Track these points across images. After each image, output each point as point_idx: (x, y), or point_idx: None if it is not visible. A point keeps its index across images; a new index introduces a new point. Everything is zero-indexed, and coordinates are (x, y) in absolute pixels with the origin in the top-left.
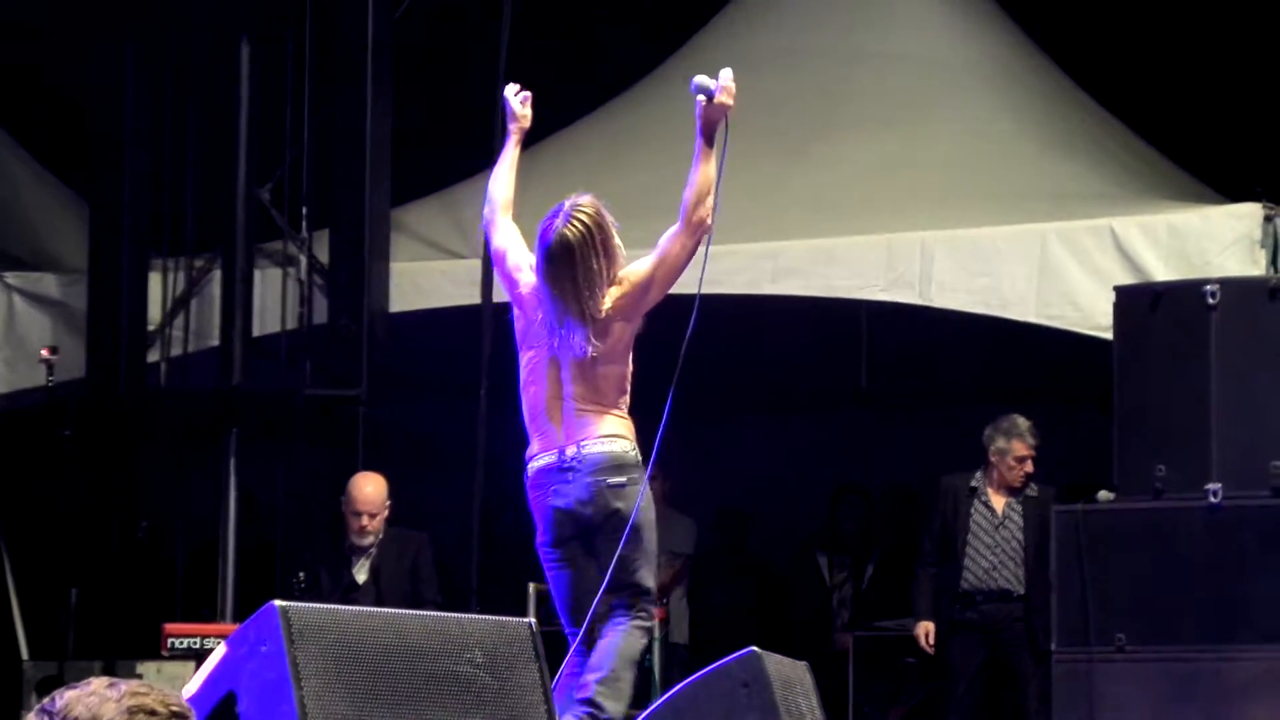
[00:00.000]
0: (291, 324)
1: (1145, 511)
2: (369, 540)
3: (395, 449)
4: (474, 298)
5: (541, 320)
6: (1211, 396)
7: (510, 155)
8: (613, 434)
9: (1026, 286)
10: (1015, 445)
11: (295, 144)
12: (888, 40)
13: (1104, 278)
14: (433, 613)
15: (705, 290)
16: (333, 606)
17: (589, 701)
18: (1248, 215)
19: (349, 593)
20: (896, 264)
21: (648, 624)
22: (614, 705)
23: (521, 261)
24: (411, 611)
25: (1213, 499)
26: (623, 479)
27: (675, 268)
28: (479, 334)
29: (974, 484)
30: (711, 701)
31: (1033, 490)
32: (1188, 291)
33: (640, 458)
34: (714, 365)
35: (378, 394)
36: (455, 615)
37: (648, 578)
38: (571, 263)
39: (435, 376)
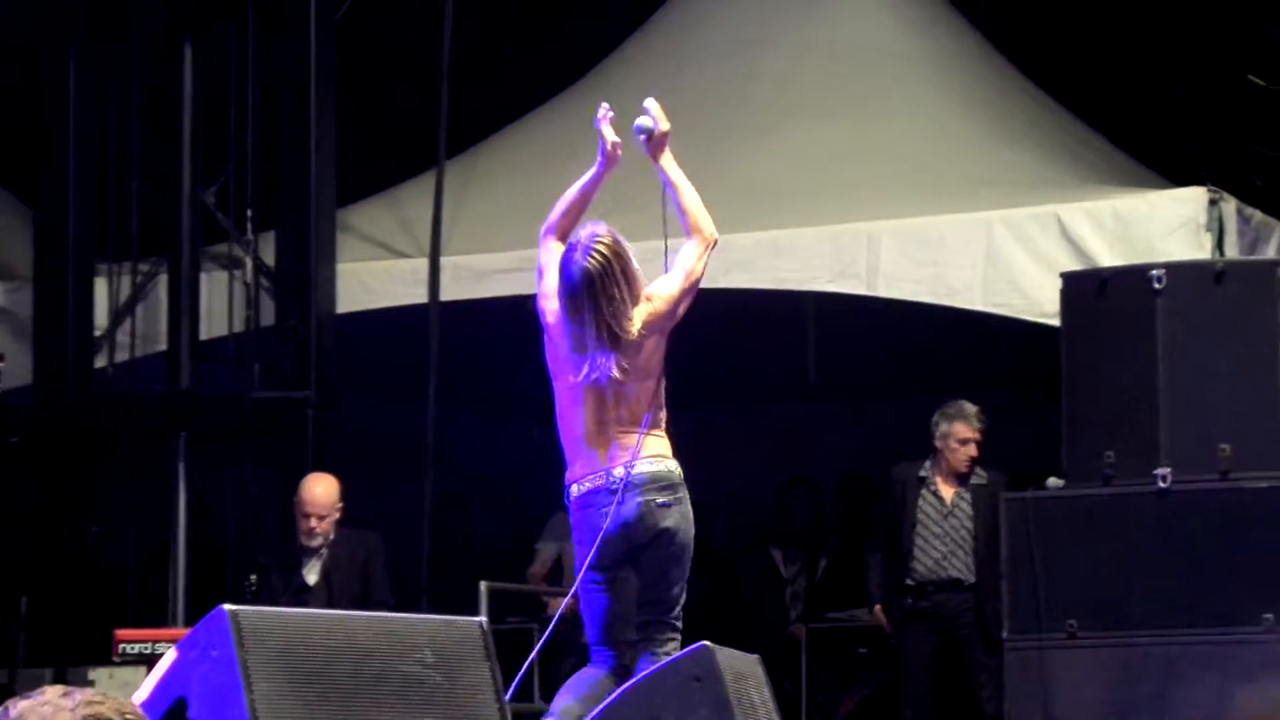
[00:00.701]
0: (239, 327)
1: (1094, 498)
2: (319, 541)
3: (345, 450)
4: (421, 297)
5: (571, 347)
6: (1159, 381)
7: (589, 181)
8: (657, 454)
9: (973, 275)
10: (957, 428)
11: (239, 146)
12: (834, 31)
13: (1050, 265)
14: (382, 613)
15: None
16: (282, 609)
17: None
18: (1192, 200)
19: (300, 594)
20: (843, 255)
21: (674, 643)
22: None
23: (550, 289)
24: (361, 613)
25: (1161, 484)
26: (670, 498)
27: (699, 281)
28: (427, 333)
29: (923, 473)
30: (663, 696)
31: (981, 478)
32: (1134, 277)
33: (683, 476)
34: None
35: (326, 395)
36: (405, 615)
37: (681, 594)
38: (594, 294)
39: (384, 376)
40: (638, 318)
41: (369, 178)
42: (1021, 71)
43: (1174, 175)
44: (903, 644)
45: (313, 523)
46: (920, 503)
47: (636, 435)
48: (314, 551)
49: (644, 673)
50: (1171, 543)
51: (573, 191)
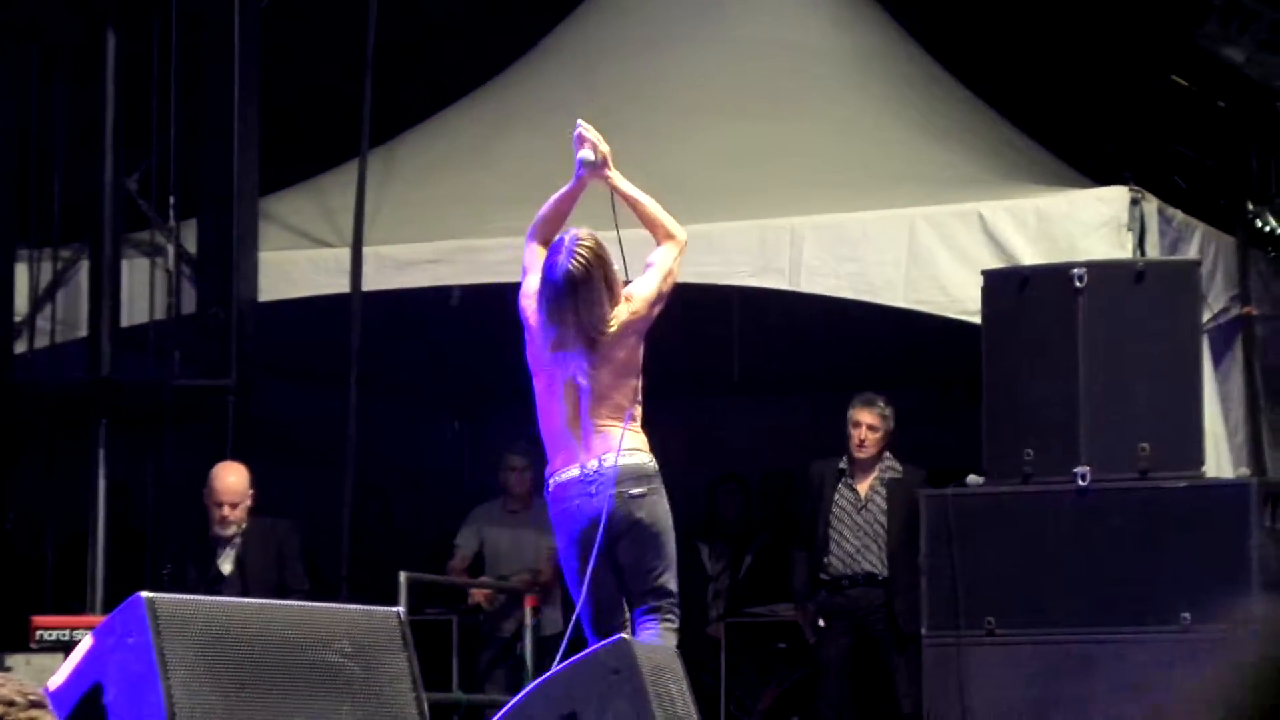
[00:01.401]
0: (160, 314)
1: (1014, 495)
2: (232, 530)
3: (265, 438)
4: (343, 286)
5: (553, 345)
6: (1079, 380)
7: (566, 193)
8: (632, 447)
9: (895, 272)
10: (857, 413)
11: (162, 134)
12: (757, 28)
13: (972, 262)
14: (300, 603)
15: None
16: (200, 597)
17: None
18: (1115, 199)
19: (214, 584)
20: (766, 250)
21: (674, 625)
22: None
23: (532, 290)
24: (279, 602)
25: (1081, 482)
26: (643, 489)
27: (674, 280)
28: (348, 323)
29: (841, 466)
30: (581, 689)
31: (898, 472)
32: (1055, 275)
33: (658, 467)
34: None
35: (247, 383)
36: (323, 605)
37: (671, 581)
38: (576, 295)
39: (305, 366)
40: (617, 318)
41: (292, 166)
42: (947, 70)
43: (1098, 175)
44: (819, 641)
45: (225, 511)
46: (836, 497)
47: (616, 430)
48: (228, 541)
49: (562, 665)
50: (1090, 541)
51: (553, 200)
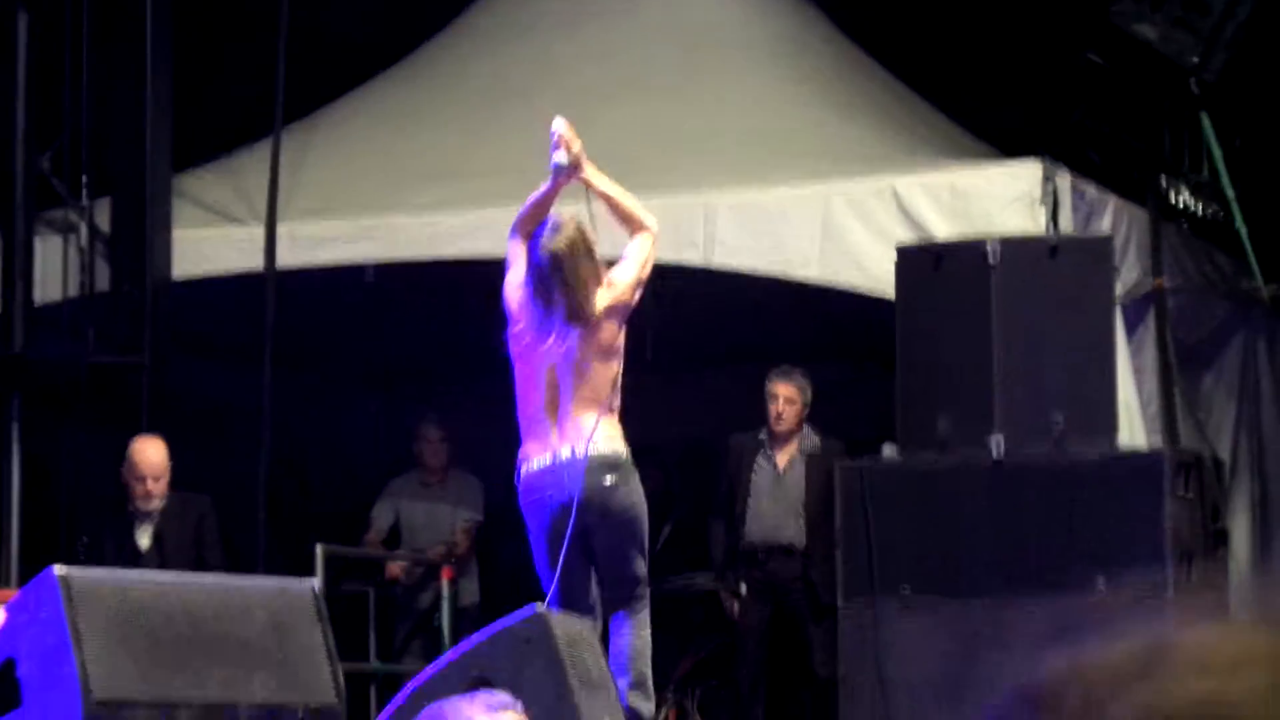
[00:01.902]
0: (74, 292)
1: (928, 466)
2: (154, 504)
3: (179, 416)
4: (257, 264)
5: (536, 330)
6: (993, 353)
7: (545, 191)
8: (606, 436)
9: (810, 247)
10: (775, 386)
11: (74, 112)
12: (669, 6)
13: (887, 238)
14: (217, 577)
15: (491, 254)
16: (114, 571)
17: (627, 709)
18: (1028, 174)
19: (132, 559)
20: (681, 226)
21: (645, 613)
22: (647, 705)
23: (515, 280)
24: (193, 575)
25: (995, 453)
26: (616, 478)
27: (650, 268)
28: (263, 300)
29: (761, 439)
30: (496, 659)
31: (816, 445)
32: (969, 250)
33: (631, 456)
34: (502, 327)
35: (161, 361)
36: (237, 579)
37: (641, 568)
38: (560, 274)
39: (220, 343)
40: (600, 300)
41: (205, 144)
42: (860, 46)
43: (1011, 150)
44: (739, 608)
45: (148, 485)
46: (755, 469)
47: (592, 417)
48: (147, 515)
49: (477, 636)
50: (1004, 511)
51: (532, 200)
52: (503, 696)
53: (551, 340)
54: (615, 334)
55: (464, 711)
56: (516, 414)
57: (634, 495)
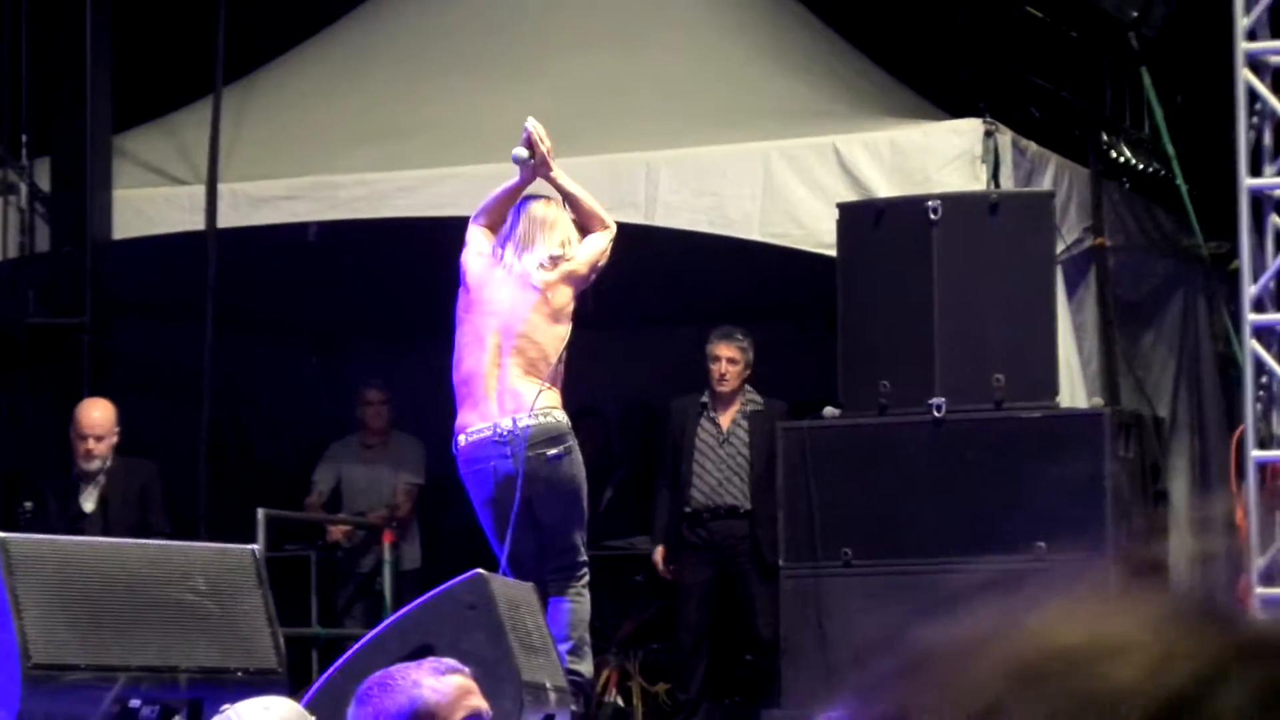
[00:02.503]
0: (13, 252)
1: (870, 427)
2: (96, 465)
3: (120, 376)
4: (198, 224)
5: (493, 289)
6: (934, 312)
7: (511, 187)
8: (547, 406)
9: (751, 205)
10: (716, 347)
11: (14, 71)
12: None
13: (828, 195)
14: (156, 541)
15: (432, 214)
16: (54, 537)
17: (568, 672)
18: (969, 131)
19: (76, 522)
20: (621, 184)
21: (586, 580)
22: (585, 667)
23: (476, 251)
24: (134, 540)
25: (936, 414)
26: (559, 450)
27: (605, 260)
28: (204, 260)
29: (703, 400)
30: (438, 623)
31: (759, 405)
32: (910, 207)
33: (571, 426)
34: (440, 287)
35: (102, 322)
36: (178, 543)
37: (581, 536)
38: (538, 230)
39: (161, 303)
40: (559, 270)
41: (146, 104)
42: (801, 2)
43: (952, 108)
44: (681, 571)
45: (90, 445)
46: (699, 430)
47: (533, 386)
48: (91, 478)
49: (419, 600)
50: (945, 471)
51: (498, 192)
52: (450, 661)
53: (508, 297)
54: (566, 302)
55: (411, 675)
56: (453, 376)
57: (575, 466)
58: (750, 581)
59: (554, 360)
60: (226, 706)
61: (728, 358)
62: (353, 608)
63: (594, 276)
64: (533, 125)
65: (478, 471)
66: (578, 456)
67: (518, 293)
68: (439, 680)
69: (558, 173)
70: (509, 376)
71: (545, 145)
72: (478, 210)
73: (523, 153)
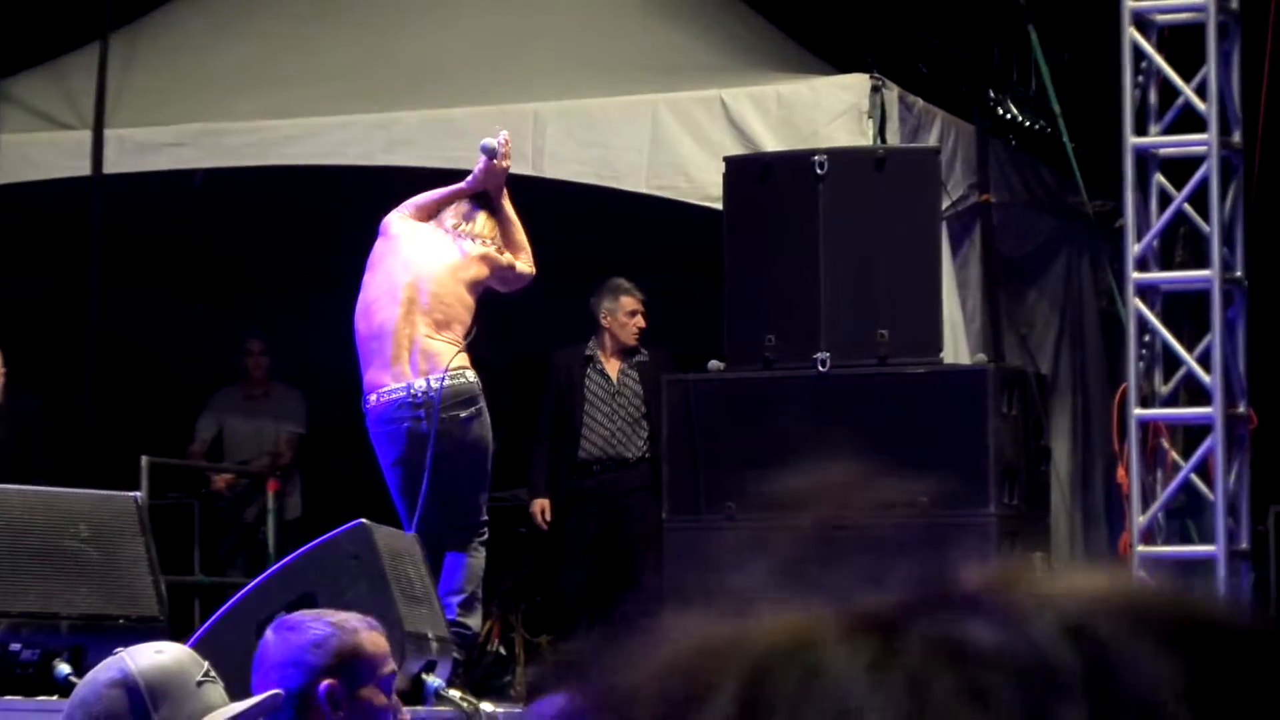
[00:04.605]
0: None
1: (754, 380)
2: None
3: (6, 320)
4: (84, 169)
5: (428, 229)
6: (820, 267)
7: (457, 188)
8: (459, 367)
9: (638, 158)
10: (624, 301)
11: None
12: None
13: (714, 148)
14: (38, 488)
15: (320, 162)
16: None
17: (454, 623)
18: (855, 86)
19: None
20: (509, 134)
21: (484, 538)
22: (474, 620)
23: (404, 214)
24: (15, 486)
25: (820, 368)
26: (470, 411)
27: (510, 279)
28: (90, 206)
29: (588, 352)
30: (320, 573)
31: (644, 355)
32: (796, 162)
33: (481, 387)
34: (331, 235)
35: None
36: (61, 490)
37: (484, 494)
38: (485, 217)
39: (47, 248)
40: (486, 249)
41: (32, 48)
42: None
43: (839, 62)
44: (566, 524)
45: None
46: (587, 382)
47: (445, 345)
48: None
49: (302, 549)
50: (830, 426)
51: (443, 191)
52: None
53: (432, 250)
54: (479, 279)
55: (351, 622)
56: (357, 328)
57: (485, 428)
58: (637, 534)
59: (467, 323)
60: (119, 649)
61: (641, 311)
62: (235, 557)
63: (491, 283)
64: (507, 136)
65: (389, 432)
66: (487, 418)
67: (442, 251)
68: (372, 634)
69: (505, 196)
70: (421, 335)
71: (507, 163)
72: (410, 204)
73: (492, 144)
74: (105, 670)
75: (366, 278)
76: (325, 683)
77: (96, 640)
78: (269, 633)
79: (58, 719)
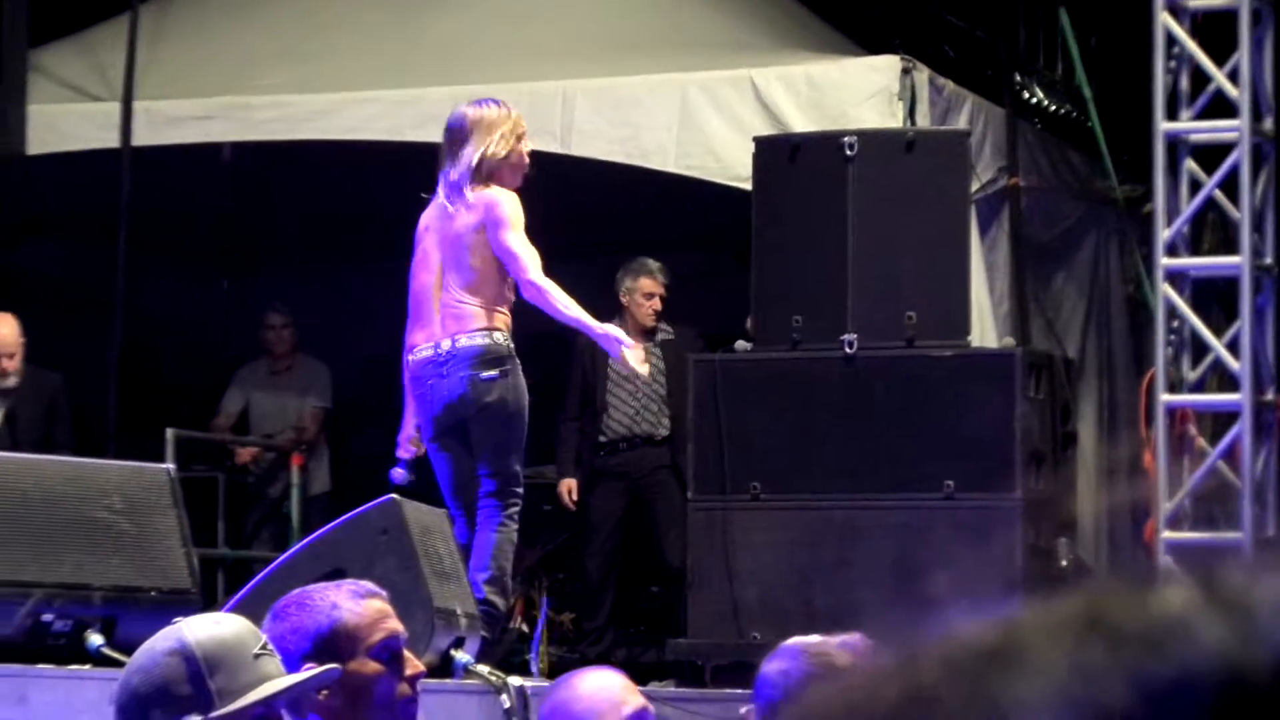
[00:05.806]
0: None
1: (781, 362)
2: (11, 382)
3: (31, 293)
4: (113, 141)
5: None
6: (848, 248)
7: (577, 322)
8: (485, 328)
9: (667, 137)
10: (642, 282)
11: None
12: None
13: (744, 129)
14: (71, 459)
15: (347, 137)
16: None
17: (483, 601)
18: (886, 68)
19: None
20: (538, 112)
21: (516, 510)
22: (502, 600)
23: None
24: (49, 457)
25: (848, 350)
26: (495, 372)
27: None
28: (119, 178)
29: None
30: (350, 548)
31: (669, 333)
32: (826, 143)
33: (513, 348)
34: (358, 211)
35: (13, 238)
36: (94, 461)
37: (516, 463)
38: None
39: (73, 221)
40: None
41: (62, 20)
42: None
43: (869, 44)
44: (590, 502)
45: (3, 363)
46: (611, 361)
47: (473, 309)
48: (2, 394)
49: (332, 524)
50: (856, 408)
51: (571, 315)
52: (367, 585)
53: (455, 218)
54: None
55: (330, 596)
56: (408, 295)
57: (509, 390)
58: (663, 509)
59: (499, 280)
60: (178, 619)
61: (659, 294)
62: (261, 531)
63: (489, 254)
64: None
65: (420, 394)
66: (515, 380)
67: (463, 215)
68: (357, 603)
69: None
70: (452, 298)
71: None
72: (544, 280)
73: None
74: (163, 639)
75: (415, 247)
76: (305, 668)
77: (128, 611)
78: (268, 619)
79: (89, 688)
